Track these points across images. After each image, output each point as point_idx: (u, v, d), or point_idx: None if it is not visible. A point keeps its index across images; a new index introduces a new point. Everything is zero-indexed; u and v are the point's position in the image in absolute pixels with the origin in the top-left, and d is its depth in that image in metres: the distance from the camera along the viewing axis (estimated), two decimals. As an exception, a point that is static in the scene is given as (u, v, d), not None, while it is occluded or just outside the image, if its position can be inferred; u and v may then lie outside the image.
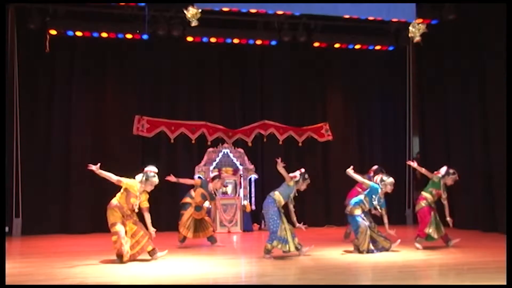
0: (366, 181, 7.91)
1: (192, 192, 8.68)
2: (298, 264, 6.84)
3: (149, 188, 7.06)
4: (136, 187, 6.99)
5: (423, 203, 8.10)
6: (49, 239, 9.63)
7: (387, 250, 7.64)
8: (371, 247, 7.54)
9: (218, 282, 5.92)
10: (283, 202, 7.36)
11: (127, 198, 6.99)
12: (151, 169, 7.10)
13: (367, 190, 7.73)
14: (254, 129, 11.72)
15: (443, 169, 8.13)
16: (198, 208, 8.60)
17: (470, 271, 6.20)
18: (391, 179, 7.75)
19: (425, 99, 12.17)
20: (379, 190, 7.65)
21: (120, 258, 6.85)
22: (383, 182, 7.69)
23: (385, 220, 7.69)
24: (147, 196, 7.14)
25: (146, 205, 7.07)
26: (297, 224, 7.47)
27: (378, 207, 7.64)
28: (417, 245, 7.96)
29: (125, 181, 7.01)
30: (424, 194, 8.15)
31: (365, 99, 12.38)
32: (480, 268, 6.34)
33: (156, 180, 7.07)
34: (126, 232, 6.92)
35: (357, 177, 7.87)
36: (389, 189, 7.71)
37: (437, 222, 7.98)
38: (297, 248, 7.28)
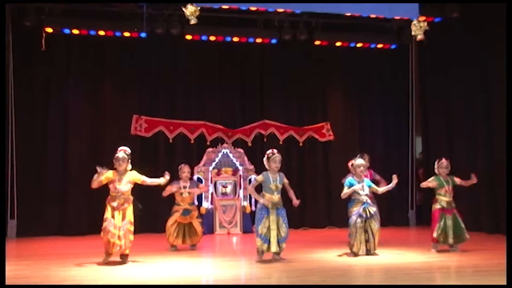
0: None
1: (177, 199, 8.41)
2: (299, 266, 6.81)
3: (116, 164, 7.04)
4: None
5: (434, 206, 8.02)
6: (44, 241, 9.60)
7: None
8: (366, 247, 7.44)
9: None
10: (270, 197, 7.08)
11: None
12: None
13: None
14: (254, 129, 11.69)
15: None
16: (186, 212, 8.33)
17: (475, 274, 6.18)
18: (358, 161, 7.70)
19: (428, 98, 12.13)
20: (351, 179, 7.59)
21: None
22: (353, 165, 7.69)
23: (382, 188, 7.70)
24: (134, 177, 7.12)
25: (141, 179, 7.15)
26: (294, 200, 7.30)
27: (363, 190, 7.51)
28: (432, 250, 7.83)
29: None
30: (436, 196, 8.00)
31: (367, 98, 12.35)
32: (485, 271, 6.31)
33: (117, 154, 7.04)
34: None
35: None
36: (359, 171, 7.62)
37: (448, 226, 7.73)
38: (277, 253, 7.07)
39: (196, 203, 10.74)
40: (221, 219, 10.86)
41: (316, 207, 11.77)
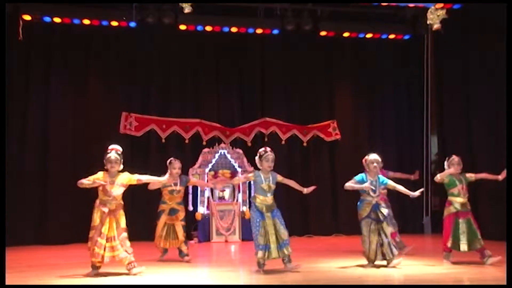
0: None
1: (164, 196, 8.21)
2: (302, 277, 6.66)
3: (108, 165, 6.76)
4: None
5: (446, 211, 7.76)
6: (22, 251, 9.45)
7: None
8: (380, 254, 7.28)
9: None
10: (263, 199, 6.98)
11: None
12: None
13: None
14: (254, 128, 11.63)
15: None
16: (172, 211, 8.08)
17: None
18: (371, 156, 7.48)
19: (445, 94, 11.97)
20: (364, 175, 7.38)
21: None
22: (366, 161, 7.47)
23: (401, 188, 7.49)
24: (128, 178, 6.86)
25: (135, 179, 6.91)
26: (305, 190, 7.23)
27: (380, 188, 7.37)
28: (444, 261, 7.60)
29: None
30: (449, 198, 7.73)
31: (378, 94, 12.30)
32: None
33: (109, 155, 6.76)
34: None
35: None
36: (372, 167, 7.40)
37: (461, 231, 7.49)
38: (283, 259, 6.94)
39: (191, 208, 10.62)
40: (218, 225, 10.76)
41: (321, 212, 11.78)
